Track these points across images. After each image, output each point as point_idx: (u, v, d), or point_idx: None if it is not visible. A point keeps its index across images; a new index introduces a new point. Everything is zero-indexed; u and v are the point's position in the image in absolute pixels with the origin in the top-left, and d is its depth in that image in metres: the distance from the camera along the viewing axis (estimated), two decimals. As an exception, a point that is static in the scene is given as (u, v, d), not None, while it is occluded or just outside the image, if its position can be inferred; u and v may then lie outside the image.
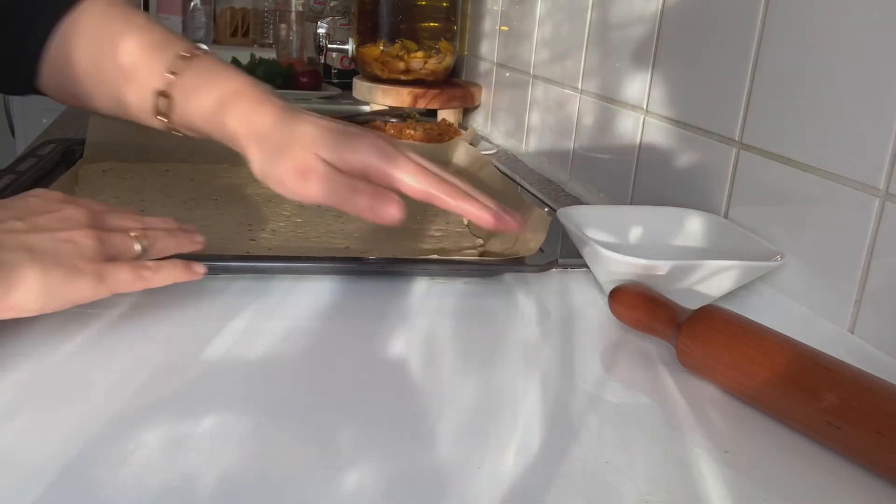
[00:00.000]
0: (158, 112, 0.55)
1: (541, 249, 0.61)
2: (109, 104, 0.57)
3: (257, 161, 0.53)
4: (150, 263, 0.48)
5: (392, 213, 0.51)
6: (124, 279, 0.46)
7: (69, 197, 0.49)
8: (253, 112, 0.53)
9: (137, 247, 0.48)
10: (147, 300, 0.54)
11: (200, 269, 0.49)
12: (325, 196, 0.51)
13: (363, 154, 0.52)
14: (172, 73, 0.54)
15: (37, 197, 0.48)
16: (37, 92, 0.60)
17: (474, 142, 1.20)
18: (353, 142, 0.52)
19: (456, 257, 0.64)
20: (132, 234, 0.48)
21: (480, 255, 0.65)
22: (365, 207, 0.51)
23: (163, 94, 0.54)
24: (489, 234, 0.69)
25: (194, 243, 0.52)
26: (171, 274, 0.48)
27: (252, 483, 0.35)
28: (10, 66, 0.58)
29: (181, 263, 0.49)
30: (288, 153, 0.51)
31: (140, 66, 0.54)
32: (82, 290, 0.44)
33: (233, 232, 0.67)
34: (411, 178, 0.53)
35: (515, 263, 0.60)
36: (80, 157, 0.82)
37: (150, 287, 0.47)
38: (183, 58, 0.54)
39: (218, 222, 0.69)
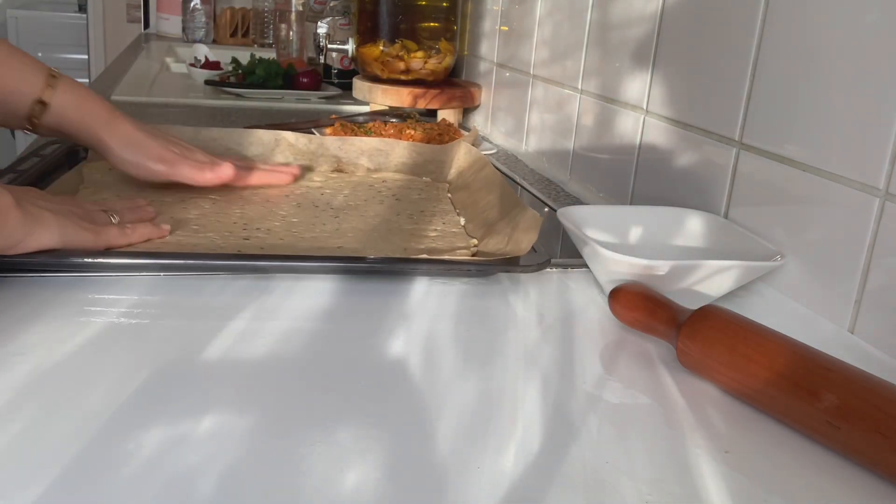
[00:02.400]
0: (32, 117, 0.70)
1: (534, 249, 0.61)
2: None
3: (117, 151, 0.72)
4: (130, 225, 0.62)
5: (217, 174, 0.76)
6: (114, 234, 0.60)
7: None
8: (112, 118, 0.73)
9: (114, 219, 0.63)
10: (147, 299, 0.54)
11: (166, 226, 0.64)
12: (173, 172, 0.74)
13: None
14: (49, 86, 0.70)
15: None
16: None
17: (476, 142, 1.20)
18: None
19: (448, 257, 0.64)
20: (105, 212, 0.63)
21: (473, 255, 0.65)
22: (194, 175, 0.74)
23: (40, 102, 0.70)
24: (484, 235, 0.69)
25: (160, 229, 0.64)
26: (146, 231, 0.62)
27: (252, 483, 0.35)
28: None
29: (151, 225, 0.63)
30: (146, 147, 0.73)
31: (20, 81, 0.69)
32: (86, 237, 0.58)
33: (226, 231, 0.67)
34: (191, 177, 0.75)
35: (509, 263, 0.60)
36: (84, 158, 0.83)
37: (132, 242, 0.61)
38: (53, 76, 0.71)
39: (213, 220, 0.69)
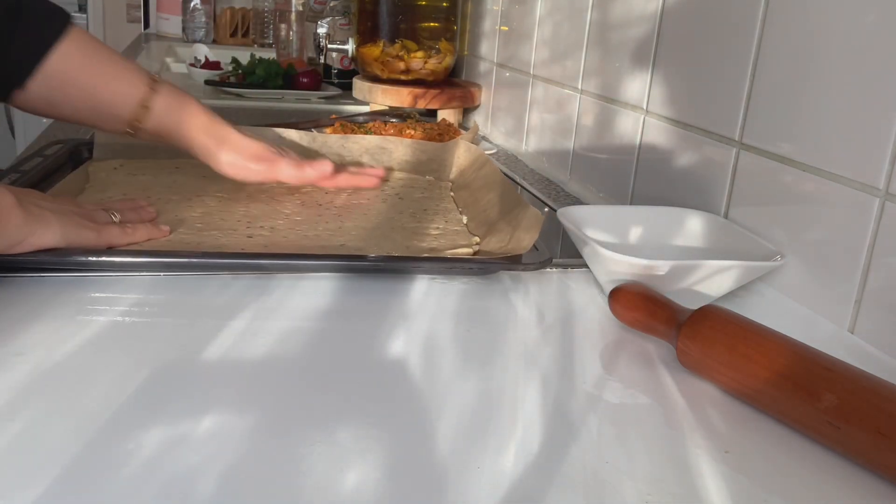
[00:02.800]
0: (135, 120, 0.71)
1: (535, 247, 0.61)
2: (87, 114, 0.71)
3: (218, 153, 0.72)
4: (131, 225, 0.62)
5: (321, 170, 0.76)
6: (115, 233, 0.60)
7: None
8: (211, 122, 0.74)
9: (115, 218, 0.63)
10: (147, 299, 0.54)
11: (165, 227, 0.65)
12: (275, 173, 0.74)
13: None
14: (152, 90, 0.71)
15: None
16: (3, 100, 0.70)
17: (475, 140, 1.20)
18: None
19: (450, 255, 0.64)
20: (106, 211, 0.63)
21: (475, 253, 0.65)
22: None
23: (143, 106, 0.70)
24: (485, 233, 0.69)
25: (160, 230, 0.64)
26: (147, 231, 0.62)
27: (252, 483, 0.35)
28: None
29: (151, 225, 0.64)
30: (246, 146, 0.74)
31: (127, 84, 0.70)
32: (88, 236, 0.58)
33: (230, 228, 0.67)
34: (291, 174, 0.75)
35: (510, 261, 0.60)
36: (89, 157, 0.83)
37: (133, 241, 0.61)
38: (155, 80, 0.72)
39: (217, 219, 0.69)
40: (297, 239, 0.66)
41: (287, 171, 0.74)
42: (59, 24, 0.67)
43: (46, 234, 0.55)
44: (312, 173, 0.75)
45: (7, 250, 0.53)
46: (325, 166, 0.76)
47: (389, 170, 0.89)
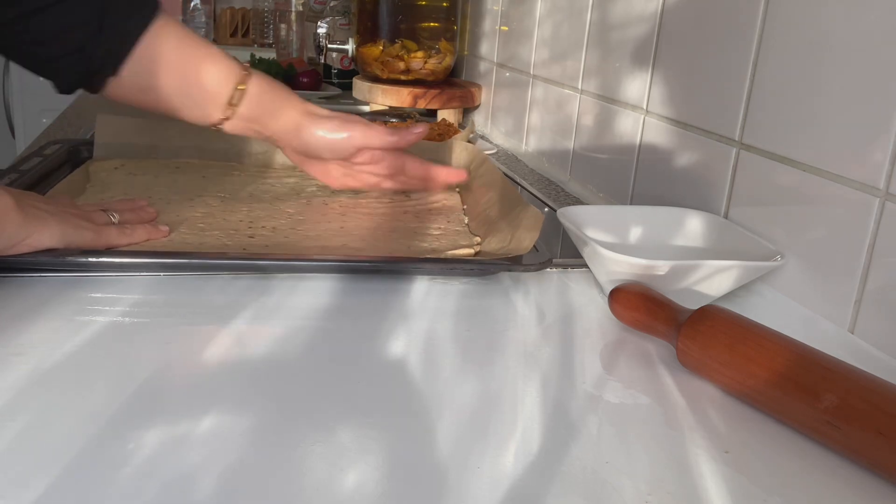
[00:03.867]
0: (231, 102, 0.69)
1: (535, 248, 0.61)
2: (181, 100, 0.69)
3: (313, 128, 0.72)
4: (129, 225, 0.62)
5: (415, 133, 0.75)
6: (113, 234, 0.60)
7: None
8: (300, 101, 0.73)
9: (114, 219, 0.63)
10: (147, 299, 0.54)
11: (164, 228, 0.64)
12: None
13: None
14: (247, 73, 0.70)
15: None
16: (95, 91, 0.69)
17: (472, 140, 1.20)
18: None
19: (451, 256, 0.64)
20: (105, 211, 0.63)
21: (476, 254, 0.65)
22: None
23: (239, 87, 0.69)
24: (486, 233, 0.69)
25: (159, 230, 0.64)
26: (145, 232, 0.62)
27: (252, 483, 0.35)
28: (88, 69, 0.66)
29: (150, 226, 0.64)
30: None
31: (216, 76, 0.69)
32: (87, 237, 0.58)
33: (232, 229, 0.67)
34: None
35: (510, 262, 0.60)
36: (88, 157, 0.83)
37: (132, 242, 0.61)
38: (246, 66, 0.71)
39: (220, 219, 0.69)
40: (298, 239, 0.66)
41: (378, 135, 0.73)
42: (148, 9, 0.67)
43: (44, 234, 0.55)
44: (406, 133, 0.74)
45: (5, 251, 0.53)
46: (419, 127, 0.75)
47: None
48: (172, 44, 0.67)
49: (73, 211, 0.61)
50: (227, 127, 0.71)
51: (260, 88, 0.70)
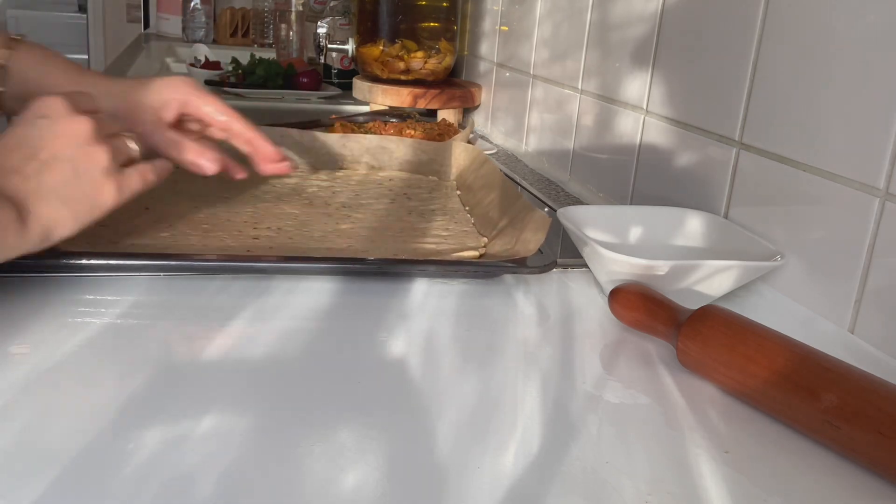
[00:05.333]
0: None
1: (540, 250, 0.61)
2: None
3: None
4: (145, 166, 0.54)
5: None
6: (135, 185, 0.53)
7: (71, 102, 0.51)
8: (81, 74, 0.67)
9: (135, 147, 0.54)
10: (147, 300, 0.54)
11: (164, 162, 0.57)
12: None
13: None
14: (7, 48, 0.64)
15: (43, 118, 0.50)
16: None
17: (472, 140, 1.20)
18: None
19: (455, 258, 0.64)
20: (128, 137, 0.54)
21: (481, 255, 0.65)
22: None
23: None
24: (490, 234, 0.69)
25: (163, 164, 0.58)
26: (165, 170, 0.57)
27: (252, 483, 0.35)
28: None
29: (161, 162, 0.57)
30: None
31: None
32: (105, 204, 0.51)
33: (236, 230, 0.67)
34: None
35: (515, 264, 0.60)
36: None
37: (150, 188, 0.54)
38: (13, 39, 0.65)
39: (224, 219, 0.69)
40: (302, 240, 0.66)
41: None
42: None
43: (56, 234, 0.49)
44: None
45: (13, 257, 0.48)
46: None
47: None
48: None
49: (96, 148, 0.50)
50: (3, 108, 0.65)
51: (28, 65, 0.64)
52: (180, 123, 0.67)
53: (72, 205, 0.49)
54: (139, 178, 0.53)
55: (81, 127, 0.50)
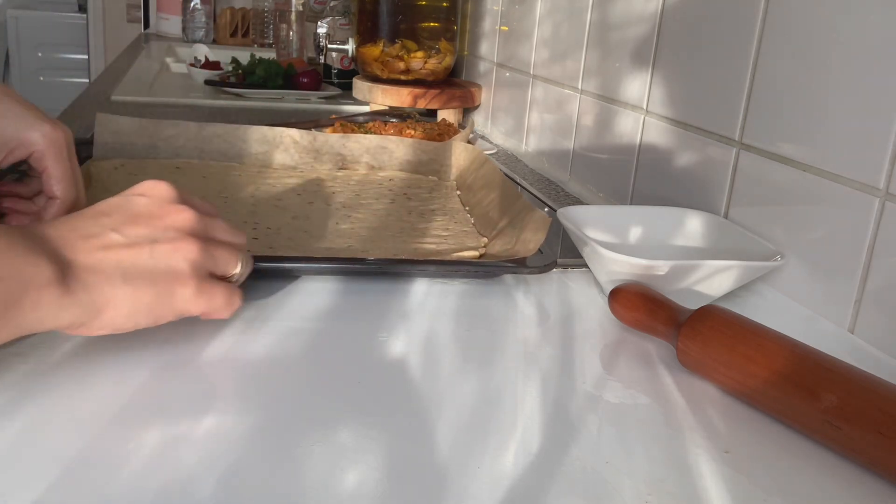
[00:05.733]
0: None
1: (540, 250, 0.61)
2: None
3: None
4: (236, 288, 0.46)
5: None
6: (219, 304, 0.45)
7: (181, 193, 0.46)
8: None
9: (238, 268, 0.47)
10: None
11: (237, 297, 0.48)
12: None
13: None
14: None
15: (144, 196, 0.44)
16: None
17: (472, 140, 1.20)
18: None
19: (455, 258, 0.64)
20: (237, 252, 0.47)
21: (481, 255, 0.65)
22: None
23: None
24: (490, 234, 0.69)
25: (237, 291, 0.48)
26: (238, 302, 0.47)
27: (252, 483, 0.35)
28: None
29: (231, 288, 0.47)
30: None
31: None
32: (175, 309, 0.43)
33: None
34: None
35: (515, 264, 0.60)
36: (87, 157, 0.83)
37: (227, 318, 0.46)
38: None
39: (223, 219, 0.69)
40: (303, 240, 0.66)
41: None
42: None
43: (107, 316, 0.40)
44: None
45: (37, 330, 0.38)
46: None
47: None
48: None
49: (189, 244, 0.43)
50: None
51: None
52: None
53: (133, 290, 0.41)
54: (224, 298, 0.45)
55: (183, 216, 0.44)
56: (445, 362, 0.48)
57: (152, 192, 0.45)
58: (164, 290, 0.42)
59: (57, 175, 0.53)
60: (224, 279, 0.46)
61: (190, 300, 0.43)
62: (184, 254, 0.43)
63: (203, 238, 0.44)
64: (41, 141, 0.52)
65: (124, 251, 0.41)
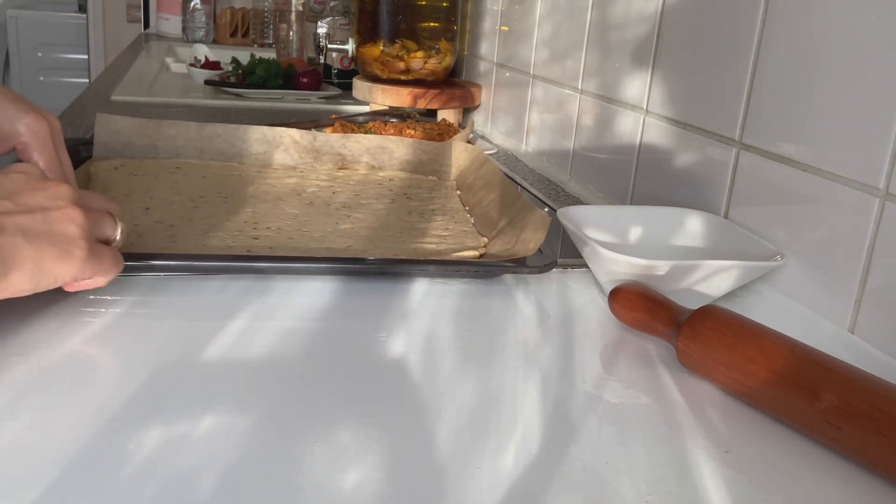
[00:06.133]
0: None
1: (540, 250, 0.61)
2: None
3: None
4: (119, 254, 0.50)
5: None
6: (107, 265, 0.48)
7: (48, 175, 0.50)
8: None
9: (118, 231, 0.50)
10: (146, 300, 0.54)
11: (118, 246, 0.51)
12: None
13: None
14: None
15: (21, 173, 0.47)
16: None
17: (472, 140, 1.20)
18: None
19: (455, 258, 0.64)
20: (115, 218, 0.50)
21: (481, 255, 0.65)
22: None
23: None
24: (490, 234, 0.69)
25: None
26: (122, 264, 0.50)
27: (252, 483, 0.35)
28: None
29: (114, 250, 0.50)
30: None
31: None
32: (71, 270, 0.45)
33: (237, 230, 0.67)
34: None
35: (515, 264, 0.60)
36: (87, 157, 0.83)
37: (110, 281, 0.49)
38: None
39: (223, 220, 0.69)
40: (303, 240, 0.66)
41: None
42: None
43: (13, 278, 0.42)
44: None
45: None
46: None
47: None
48: None
49: (75, 210, 0.46)
50: None
51: None
52: None
53: (36, 251, 0.43)
54: (112, 259, 0.48)
55: (62, 189, 0.47)
56: (445, 362, 0.48)
57: (25, 170, 0.47)
58: (63, 250, 0.44)
59: (42, 166, 0.54)
60: (107, 244, 0.50)
61: (86, 261, 0.46)
62: (72, 219, 0.46)
63: (84, 205, 0.47)
64: (25, 132, 0.53)
65: (20, 216, 0.43)
